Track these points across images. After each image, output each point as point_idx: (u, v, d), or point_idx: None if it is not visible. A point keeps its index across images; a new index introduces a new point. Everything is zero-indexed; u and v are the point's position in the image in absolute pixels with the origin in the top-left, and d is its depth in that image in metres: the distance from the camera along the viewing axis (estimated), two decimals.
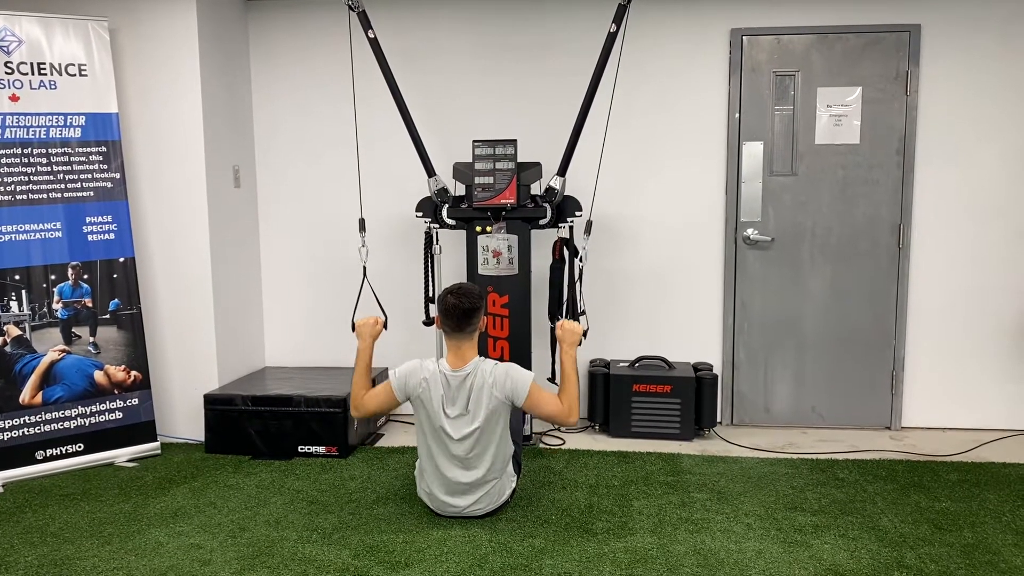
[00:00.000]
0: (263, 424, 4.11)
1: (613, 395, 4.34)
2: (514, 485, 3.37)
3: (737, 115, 4.39)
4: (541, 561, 2.94)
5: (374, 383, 3.45)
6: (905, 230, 4.34)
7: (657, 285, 4.58)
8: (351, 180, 4.54)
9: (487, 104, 4.56)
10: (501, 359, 4.16)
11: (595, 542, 3.09)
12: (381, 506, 3.47)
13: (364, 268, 3.83)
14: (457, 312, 3.20)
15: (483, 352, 4.15)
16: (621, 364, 4.48)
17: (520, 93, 4.53)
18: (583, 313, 4.24)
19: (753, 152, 4.40)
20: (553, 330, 4.20)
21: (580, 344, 3.39)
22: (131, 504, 3.54)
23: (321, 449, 4.08)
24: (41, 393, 3.87)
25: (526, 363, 4.18)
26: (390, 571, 2.89)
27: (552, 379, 4.26)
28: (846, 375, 4.47)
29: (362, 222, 3.85)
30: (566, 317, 4.15)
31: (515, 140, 4.05)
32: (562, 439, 4.34)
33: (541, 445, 4.22)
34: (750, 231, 4.45)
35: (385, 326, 3.54)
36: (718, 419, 4.54)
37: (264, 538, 3.17)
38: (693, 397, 4.28)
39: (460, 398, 3.19)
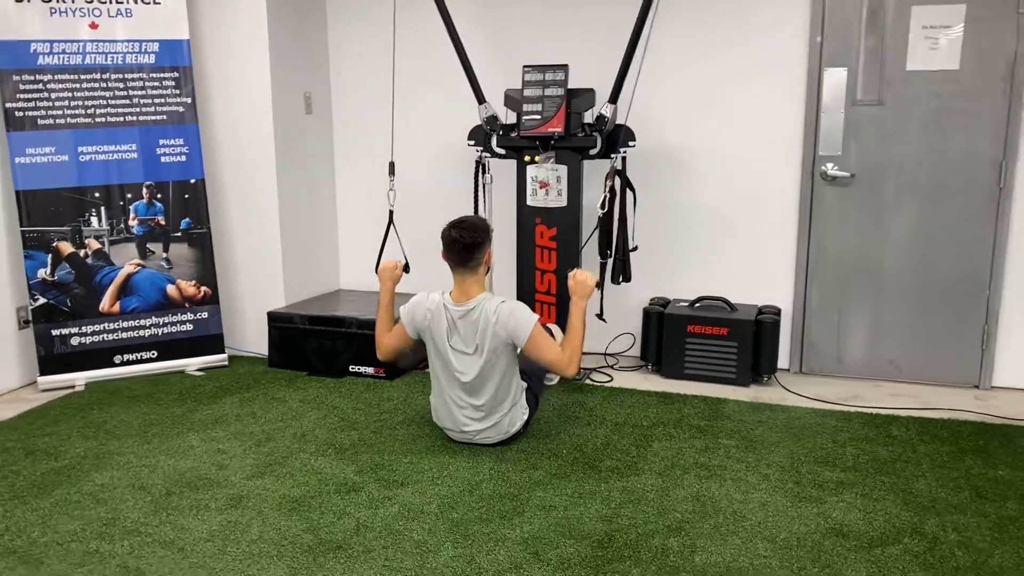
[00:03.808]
0: (319, 343, 4.27)
1: (667, 335, 4.19)
2: (526, 417, 3.34)
3: (819, 38, 4.00)
4: (531, 493, 2.92)
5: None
6: (1008, 168, 3.85)
7: (726, 222, 4.33)
8: (426, 106, 4.56)
9: (546, 29, 4.38)
10: (548, 292, 4.12)
11: (594, 479, 3.03)
12: (404, 427, 3.55)
13: (391, 212, 3.81)
14: (458, 246, 3.16)
15: (530, 285, 4.13)
16: (681, 304, 4.31)
17: (580, 18, 4.32)
18: (635, 249, 4.10)
19: (835, 79, 4.02)
20: (603, 265, 4.10)
21: (591, 296, 3.30)
22: (183, 409, 3.80)
23: (370, 370, 4.20)
24: (119, 303, 4.20)
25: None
26: (384, 489, 2.97)
27: (600, 315, 4.17)
28: (930, 326, 4.08)
29: (392, 166, 3.83)
30: (615, 254, 4.01)
31: (566, 65, 3.90)
32: (610, 376, 4.24)
33: (588, 381, 4.15)
34: (829, 166, 4.09)
35: (406, 270, 3.56)
36: (785, 366, 4.31)
37: (284, 449, 3.33)
38: (751, 341, 4.05)
39: (465, 332, 3.18)
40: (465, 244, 3.17)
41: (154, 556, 2.53)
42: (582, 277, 3.29)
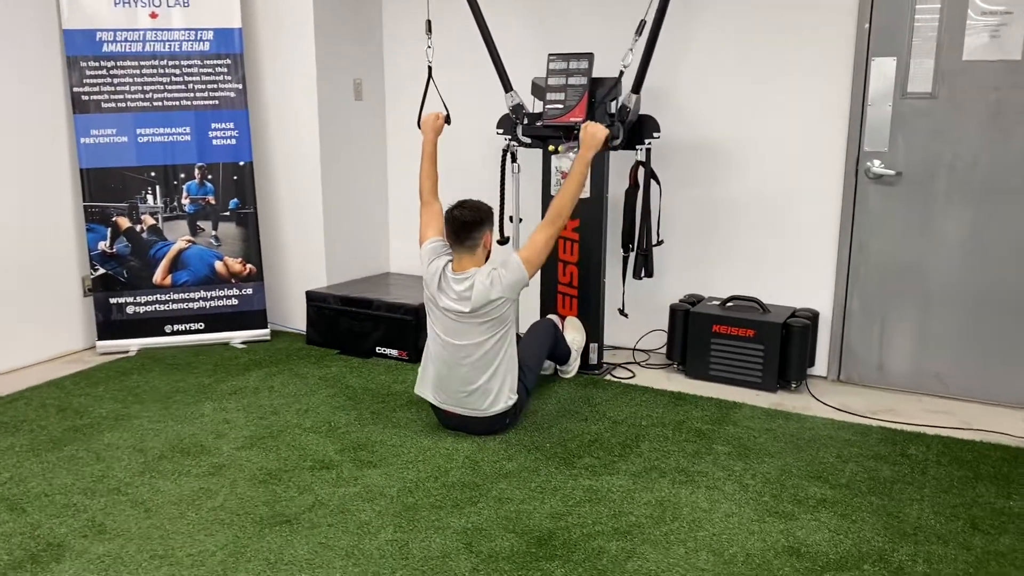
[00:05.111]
0: (349, 323, 4.41)
1: (692, 334, 4.05)
2: (512, 404, 3.30)
3: (867, 25, 3.74)
4: (495, 484, 2.92)
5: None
6: None
7: (765, 219, 4.13)
8: (480, 97, 4.52)
9: (582, 16, 4.29)
10: (570, 284, 4.07)
11: (564, 476, 2.99)
12: (404, 410, 3.61)
13: (429, 68, 3.90)
14: (456, 223, 3.20)
15: (552, 276, 4.09)
16: (712, 303, 4.15)
17: (613, 5, 4.20)
18: (660, 243, 4.00)
19: (884, 69, 3.75)
20: (625, 259, 4.02)
21: (598, 149, 3.37)
22: (212, 379, 4.02)
23: (394, 352, 4.30)
24: (170, 276, 4.48)
25: (596, 291, 4.04)
26: (357, 469, 3.05)
27: (621, 310, 4.09)
28: (982, 340, 3.75)
29: (428, 23, 3.90)
30: (639, 249, 3.92)
31: (591, 54, 3.82)
32: (632, 372, 4.15)
33: (607, 377, 4.08)
34: (874, 163, 3.83)
35: (448, 121, 3.76)
36: (823, 373, 4.09)
37: (283, 423, 3.47)
38: (778, 345, 3.86)
39: (460, 292, 3.19)
40: (464, 221, 3.21)
41: (121, 514, 2.71)
42: (592, 129, 3.36)
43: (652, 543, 2.55)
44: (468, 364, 3.22)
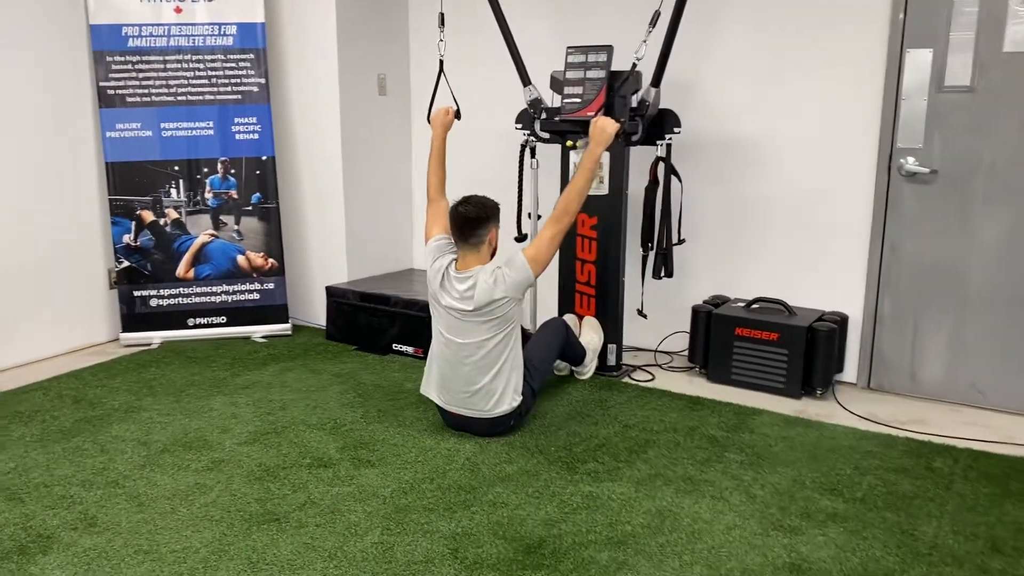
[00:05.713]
0: (367, 319, 4.38)
1: (714, 337, 3.91)
2: (516, 406, 3.22)
3: (902, 15, 3.56)
4: (492, 488, 2.84)
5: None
6: None
7: (793, 218, 3.97)
8: (506, 94, 4.44)
9: (608, 8, 4.18)
10: (588, 283, 3.97)
11: (564, 481, 2.90)
12: (411, 409, 3.56)
13: (441, 62, 3.84)
14: (460, 220, 3.13)
15: (570, 274, 4.00)
16: (737, 304, 4.01)
17: None
18: (681, 242, 3.88)
19: (919, 62, 3.56)
20: (644, 258, 3.91)
21: (608, 144, 3.29)
22: (228, 373, 4.03)
23: (410, 349, 4.26)
24: (193, 269, 4.51)
25: (615, 290, 3.93)
26: (355, 468, 3.01)
27: (640, 311, 3.97)
28: (1022, 348, 3.54)
29: (441, 16, 3.84)
30: (657, 248, 3.81)
31: (610, 46, 3.71)
32: (652, 375, 4.03)
33: (625, 380, 3.97)
34: (908, 160, 3.64)
35: (458, 116, 3.69)
36: (852, 379, 3.92)
37: (290, 419, 3.45)
38: (803, 350, 3.70)
39: (462, 292, 3.13)
40: (468, 218, 3.14)
41: (115, 507, 2.71)
42: (602, 123, 3.28)
43: (646, 554, 2.45)
44: (471, 364, 3.15)
